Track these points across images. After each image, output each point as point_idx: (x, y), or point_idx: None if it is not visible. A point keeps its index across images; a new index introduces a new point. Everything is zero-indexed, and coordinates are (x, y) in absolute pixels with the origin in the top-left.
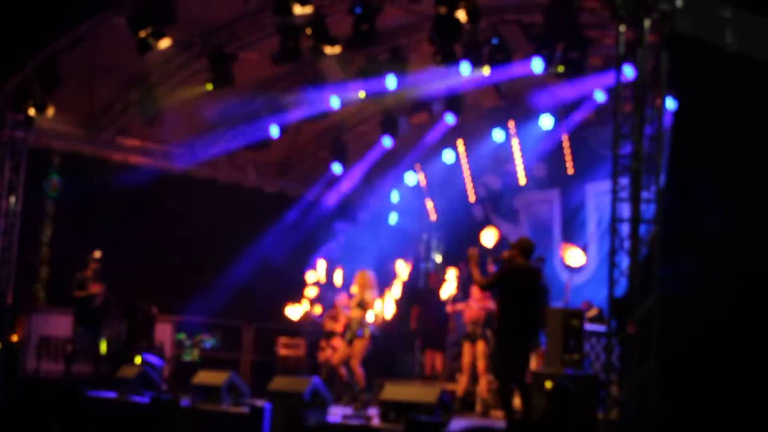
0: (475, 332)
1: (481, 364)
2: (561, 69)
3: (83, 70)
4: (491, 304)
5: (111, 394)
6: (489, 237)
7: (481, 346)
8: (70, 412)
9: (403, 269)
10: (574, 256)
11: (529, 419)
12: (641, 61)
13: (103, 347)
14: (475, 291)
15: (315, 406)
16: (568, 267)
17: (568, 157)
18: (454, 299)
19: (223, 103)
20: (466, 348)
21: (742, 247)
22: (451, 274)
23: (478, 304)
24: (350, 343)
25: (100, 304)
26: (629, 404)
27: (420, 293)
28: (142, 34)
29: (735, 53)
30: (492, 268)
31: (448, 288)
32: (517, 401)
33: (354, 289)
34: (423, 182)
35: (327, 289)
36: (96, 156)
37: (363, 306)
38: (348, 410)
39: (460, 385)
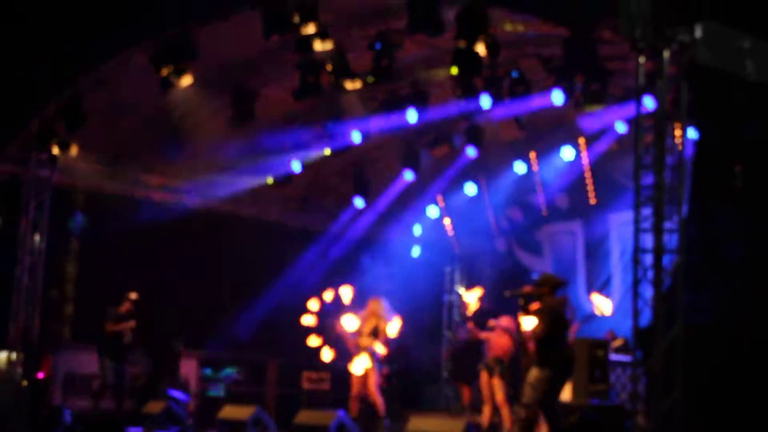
0: (494, 367)
1: (499, 397)
2: (589, 107)
3: (106, 108)
4: (508, 342)
5: (137, 430)
6: (472, 296)
7: (497, 379)
8: None
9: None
10: (603, 305)
11: None
12: (661, 92)
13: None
14: (500, 323)
15: None
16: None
17: (591, 188)
18: (476, 323)
19: (245, 139)
20: (484, 378)
21: (766, 275)
22: (474, 295)
23: (501, 339)
24: (365, 373)
25: (130, 341)
26: None
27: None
28: (164, 72)
29: (756, 82)
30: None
31: (470, 305)
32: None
33: (369, 321)
34: (445, 215)
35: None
36: (119, 193)
37: (376, 335)
38: None
39: (484, 416)
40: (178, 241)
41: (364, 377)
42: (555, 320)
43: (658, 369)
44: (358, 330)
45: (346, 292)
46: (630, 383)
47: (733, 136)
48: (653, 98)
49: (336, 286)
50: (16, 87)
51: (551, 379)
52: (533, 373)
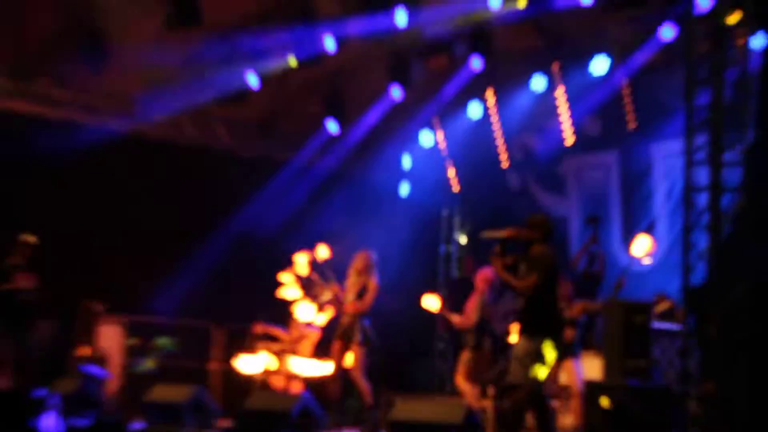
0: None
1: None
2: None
3: (10, 7)
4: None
5: (46, 416)
6: (432, 302)
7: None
8: None
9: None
10: (640, 244)
11: None
12: None
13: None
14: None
15: (304, 430)
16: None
17: (629, 110)
18: None
19: (187, 47)
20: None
21: None
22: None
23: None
24: (346, 348)
25: (30, 301)
26: (712, 423)
27: (449, 284)
28: None
29: None
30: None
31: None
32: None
33: (352, 279)
34: (442, 144)
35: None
36: (27, 113)
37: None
38: None
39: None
40: (100, 174)
41: (345, 353)
42: (550, 275)
43: (716, 340)
44: (344, 293)
45: (323, 252)
46: (679, 358)
47: None
48: None
49: (302, 235)
50: None
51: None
52: (521, 345)
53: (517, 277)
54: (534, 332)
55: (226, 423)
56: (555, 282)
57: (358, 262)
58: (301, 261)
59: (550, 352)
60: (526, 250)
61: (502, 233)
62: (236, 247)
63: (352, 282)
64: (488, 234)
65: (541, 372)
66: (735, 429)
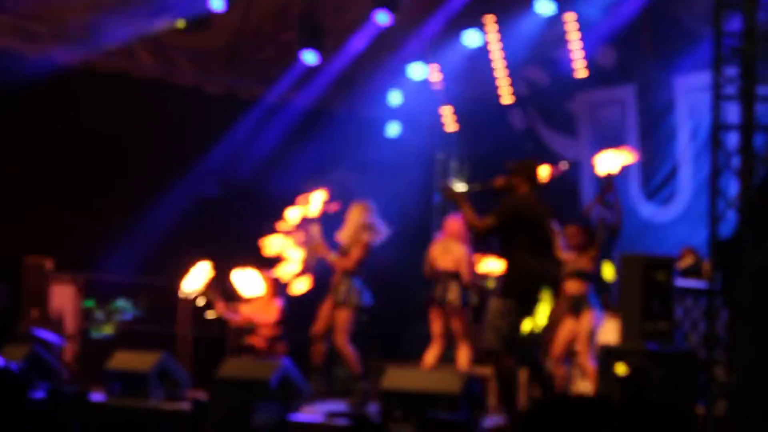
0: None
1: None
2: None
3: None
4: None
5: None
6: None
7: None
8: None
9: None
10: (605, 160)
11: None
12: None
13: None
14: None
15: (276, 400)
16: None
17: (647, 37)
18: None
19: None
20: None
21: None
22: None
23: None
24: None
25: None
26: (742, 392)
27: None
28: None
29: None
30: None
31: None
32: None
33: (345, 232)
34: (436, 77)
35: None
36: None
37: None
38: (338, 406)
39: None
40: (47, 112)
41: (330, 317)
42: (519, 224)
43: (746, 299)
44: (340, 247)
45: (318, 198)
46: (704, 320)
47: None
48: None
49: (275, 183)
50: None
51: (517, 311)
52: (491, 306)
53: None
54: (504, 291)
55: (196, 393)
56: (529, 234)
57: (352, 213)
58: (292, 214)
59: (542, 309)
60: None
61: (492, 183)
62: (204, 196)
63: (344, 237)
64: (478, 186)
65: (525, 327)
66: (766, 397)
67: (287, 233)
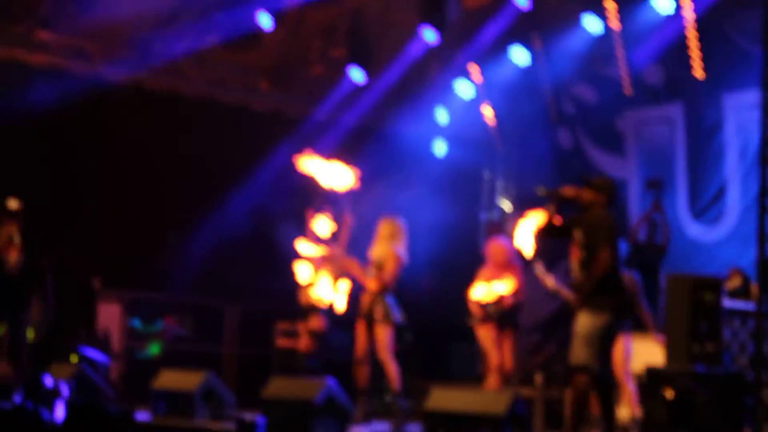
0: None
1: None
2: None
3: None
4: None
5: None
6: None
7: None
8: None
9: None
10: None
11: None
12: None
13: (30, 335)
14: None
15: (330, 418)
16: None
17: (696, 56)
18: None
19: None
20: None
21: None
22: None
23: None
24: (369, 328)
25: (18, 276)
26: None
27: None
28: None
29: None
30: None
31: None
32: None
33: (377, 249)
34: (482, 96)
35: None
36: (6, 59)
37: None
38: (379, 426)
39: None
40: (93, 131)
41: (370, 334)
42: (616, 241)
43: None
44: (369, 264)
45: (322, 222)
46: (752, 341)
47: None
48: None
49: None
50: None
51: (610, 327)
52: (584, 321)
53: (572, 245)
54: (600, 306)
55: (241, 413)
56: (615, 252)
57: (383, 229)
58: (321, 227)
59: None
60: (581, 214)
61: (561, 192)
62: (252, 214)
63: (376, 253)
64: (544, 191)
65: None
66: None
67: (312, 261)
